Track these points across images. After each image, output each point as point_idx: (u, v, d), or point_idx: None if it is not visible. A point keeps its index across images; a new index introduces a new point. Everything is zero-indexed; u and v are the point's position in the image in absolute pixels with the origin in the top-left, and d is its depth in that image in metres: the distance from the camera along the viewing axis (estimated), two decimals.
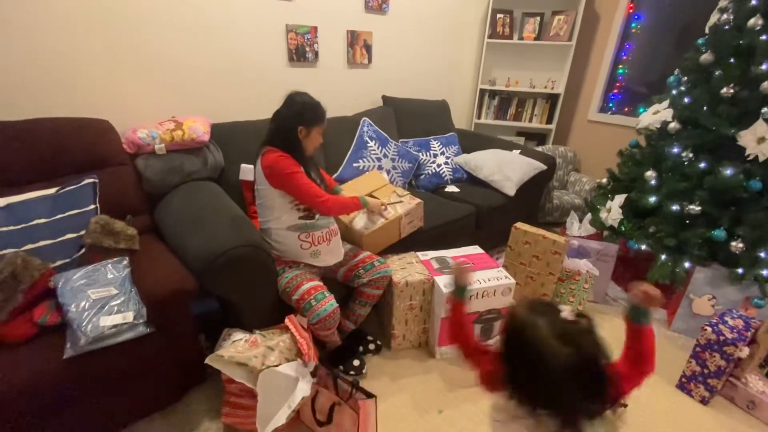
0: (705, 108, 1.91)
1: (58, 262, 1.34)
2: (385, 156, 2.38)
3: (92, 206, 1.45)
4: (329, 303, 1.43)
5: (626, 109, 3.15)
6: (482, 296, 1.67)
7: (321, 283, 1.50)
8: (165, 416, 1.43)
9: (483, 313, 1.72)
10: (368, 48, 2.62)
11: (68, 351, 1.13)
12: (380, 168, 2.34)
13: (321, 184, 1.57)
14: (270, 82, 2.24)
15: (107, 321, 1.18)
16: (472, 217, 2.29)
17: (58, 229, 1.36)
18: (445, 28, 3.04)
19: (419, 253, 1.90)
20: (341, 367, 1.64)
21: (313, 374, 1.35)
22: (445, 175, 2.61)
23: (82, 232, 1.39)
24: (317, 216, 1.53)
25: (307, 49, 2.33)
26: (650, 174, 2.10)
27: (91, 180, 1.47)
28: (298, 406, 1.23)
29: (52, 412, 1.13)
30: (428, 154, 2.64)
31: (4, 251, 1.26)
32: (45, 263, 1.29)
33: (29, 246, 1.30)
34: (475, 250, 1.96)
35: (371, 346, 1.78)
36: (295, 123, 1.43)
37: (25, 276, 1.23)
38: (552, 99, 3.32)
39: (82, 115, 1.63)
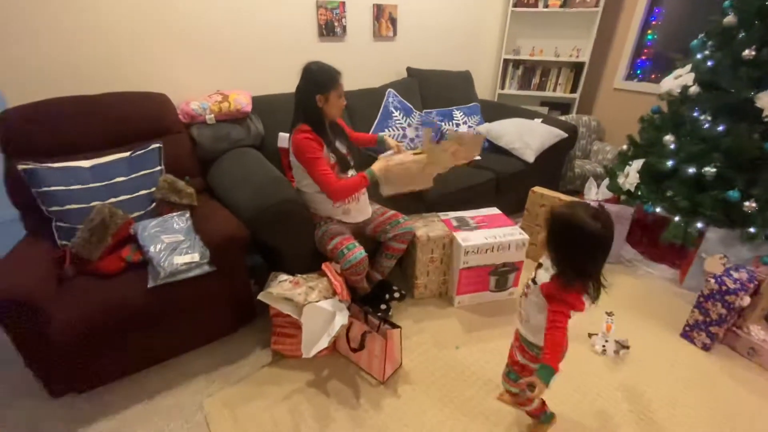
0: (726, 71, 1.94)
1: (135, 214, 1.60)
2: (409, 125, 2.53)
3: (159, 167, 1.71)
4: (359, 252, 1.63)
5: (653, 76, 3.13)
6: (498, 250, 1.84)
7: (351, 236, 1.70)
8: (223, 344, 1.70)
9: (498, 266, 1.89)
10: (393, 21, 2.73)
11: (150, 282, 1.40)
12: (404, 137, 2.50)
13: (349, 150, 1.75)
14: (302, 56, 2.36)
15: (179, 260, 1.44)
16: (492, 182, 2.42)
17: (134, 186, 1.62)
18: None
19: (440, 214, 2.07)
20: (371, 310, 1.86)
21: (347, 310, 1.57)
22: None
23: (153, 189, 1.65)
24: (351, 174, 1.71)
25: (336, 23, 2.47)
26: (669, 138, 2.15)
27: (157, 145, 1.72)
28: (337, 333, 1.46)
29: (138, 327, 1.42)
30: (451, 123, 2.76)
31: (94, 203, 1.53)
32: (126, 214, 1.55)
33: (112, 199, 1.57)
34: (493, 211, 2.11)
35: (396, 295, 1.99)
36: (313, 92, 1.55)
37: (112, 223, 1.50)
38: (577, 68, 3.32)
39: (143, 89, 1.87)
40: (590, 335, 1.76)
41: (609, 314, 1.76)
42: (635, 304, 2.00)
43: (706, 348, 1.73)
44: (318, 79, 1.55)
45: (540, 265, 1.12)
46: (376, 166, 1.69)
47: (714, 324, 1.68)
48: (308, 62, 1.58)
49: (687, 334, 1.78)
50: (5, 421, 1.39)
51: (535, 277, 1.12)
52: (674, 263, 2.29)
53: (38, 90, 1.67)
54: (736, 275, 1.67)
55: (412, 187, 1.82)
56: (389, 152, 1.92)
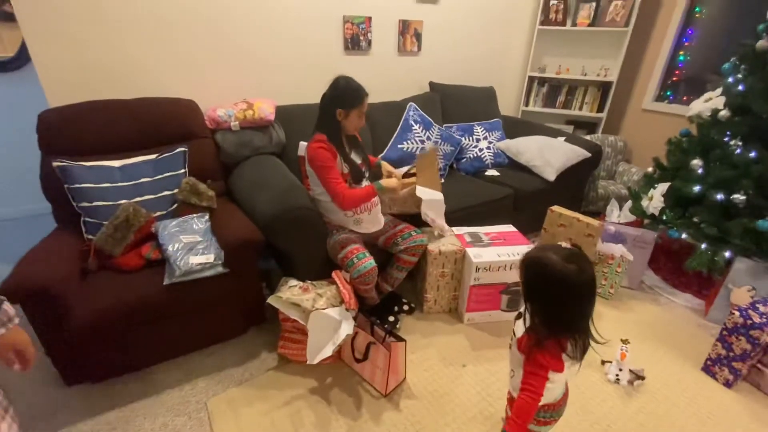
0: (759, 96, 1.87)
1: (157, 213, 1.68)
2: (428, 139, 2.55)
3: (183, 170, 1.78)
4: (369, 261, 1.65)
5: (685, 98, 3.04)
6: (510, 268, 1.81)
7: (363, 246, 1.71)
8: (232, 345, 1.74)
9: (511, 284, 1.86)
10: (418, 36, 2.77)
11: (166, 279, 1.46)
12: (423, 150, 2.51)
13: (363, 162, 1.78)
14: (327, 68, 2.47)
15: (195, 260, 1.49)
16: (510, 199, 2.40)
17: (158, 187, 1.70)
18: (496, 16, 3.11)
19: (454, 228, 2.06)
20: (377, 320, 1.86)
21: (354, 320, 1.58)
22: (486, 160, 2.72)
23: (175, 190, 1.72)
24: (364, 184, 1.74)
25: (362, 38, 2.54)
26: (696, 162, 2.08)
27: (182, 149, 1.80)
28: (342, 342, 1.47)
29: (152, 323, 1.47)
30: (471, 138, 2.77)
31: (121, 201, 1.61)
32: (149, 213, 1.63)
33: (137, 198, 1.65)
34: (509, 228, 2.09)
35: (405, 308, 1.99)
36: (335, 105, 1.59)
37: (135, 221, 1.57)
38: (604, 87, 3.27)
39: (174, 95, 1.97)
40: (603, 362, 1.70)
41: (624, 342, 1.69)
42: (654, 333, 1.92)
43: (728, 385, 1.63)
44: (343, 93, 1.60)
45: (520, 315, 1.02)
46: (387, 183, 1.70)
47: (737, 359, 1.60)
48: (340, 75, 1.62)
49: (708, 369, 1.69)
50: (26, 407, 1.46)
51: (514, 328, 1.03)
52: (699, 293, 2.19)
53: (77, 93, 1.79)
54: (762, 309, 1.59)
55: (405, 210, 1.90)
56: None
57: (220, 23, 2.07)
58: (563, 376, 0.98)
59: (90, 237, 1.57)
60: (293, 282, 1.67)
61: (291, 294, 1.56)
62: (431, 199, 1.84)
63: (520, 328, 1.00)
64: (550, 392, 0.99)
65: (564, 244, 0.90)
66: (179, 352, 1.65)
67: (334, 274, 1.68)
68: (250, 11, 2.13)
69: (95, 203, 1.58)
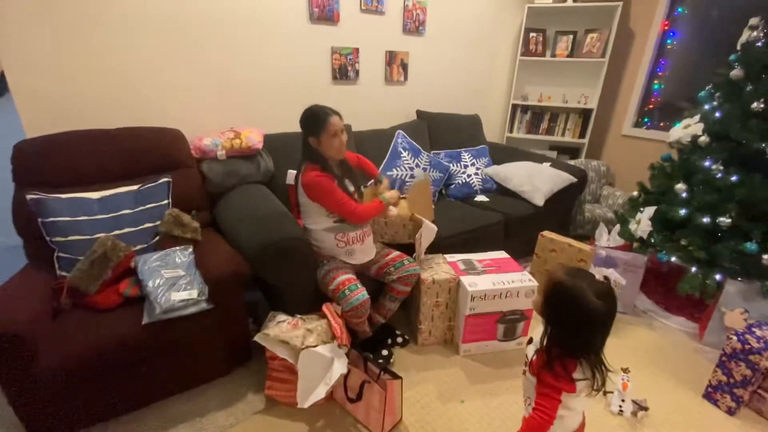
0: (736, 122, 1.93)
1: (138, 246, 1.59)
2: (417, 166, 2.54)
3: (166, 201, 1.71)
4: (361, 293, 1.58)
5: (662, 124, 3.14)
6: (506, 297, 1.77)
7: (354, 276, 1.66)
8: (216, 386, 1.62)
9: (506, 313, 1.81)
10: (405, 66, 2.82)
11: (145, 318, 1.36)
12: (413, 177, 2.50)
13: (355, 185, 1.75)
14: (315, 97, 2.47)
15: (177, 296, 1.40)
16: (501, 225, 2.39)
17: (139, 219, 1.62)
18: (479, 47, 3.20)
19: (447, 256, 2.02)
20: (371, 356, 1.78)
21: (346, 356, 1.50)
22: (475, 185, 2.73)
23: (158, 222, 1.64)
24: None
25: (349, 68, 2.56)
26: (680, 187, 2.11)
27: (166, 179, 1.74)
28: (335, 382, 1.39)
29: (129, 366, 1.36)
30: (459, 164, 2.78)
31: (98, 234, 1.52)
32: (129, 246, 1.54)
33: (117, 231, 1.56)
34: (501, 254, 2.06)
35: (399, 340, 1.91)
36: (306, 135, 1.60)
37: (114, 255, 1.48)
38: (585, 114, 3.36)
39: (159, 124, 1.92)
40: (605, 393, 1.65)
41: (625, 371, 1.65)
42: (652, 359, 1.88)
43: (730, 412, 1.59)
44: (307, 121, 1.60)
45: (530, 341, 1.06)
46: (390, 195, 1.72)
47: (738, 386, 1.56)
48: (306, 108, 1.62)
49: (710, 396, 1.65)
50: None
51: (527, 352, 1.05)
52: (692, 316, 2.18)
53: (57, 123, 1.72)
54: (759, 332, 1.57)
55: (393, 238, 1.90)
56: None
57: (208, 51, 2.05)
58: (579, 404, 0.97)
59: (64, 273, 1.47)
60: (281, 317, 1.59)
61: (279, 331, 1.48)
62: (430, 227, 1.82)
63: (531, 351, 1.02)
64: (565, 421, 0.97)
65: (597, 275, 0.93)
66: (158, 397, 1.52)
67: (324, 307, 1.61)
68: (239, 40, 2.13)
69: (71, 237, 1.49)
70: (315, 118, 1.59)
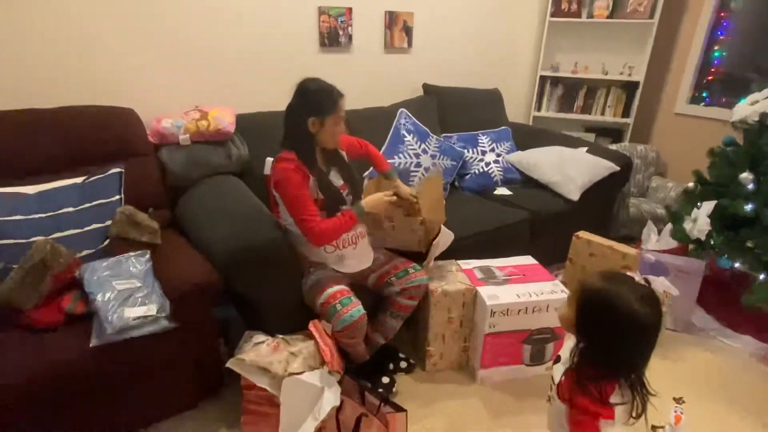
0: None
1: (84, 252, 1.59)
2: (424, 152, 2.55)
3: (117, 197, 1.72)
4: (356, 309, 1.59)
5: (724, 101, 3.15)
6: (533, 312, 1.78)
7: (347, 288, 1.66)
8: (181, 420, 1.64)
9: (533, 332, 1.82)
10: (408, 30, 2.82)
11: (94, 339, 1.36)
12: (419, 166, 2.51)
13: (348, 182, 1.76)
14: (299, 69, 2.43)
15: (132, 312, 1.40)
16: (526, 224, 2.40)
17: (84, 219, 1.63)
18: (499, 6, 3.21)
19: (461, 262, 2.03)
20: (369, 385, 1.79)
21: (339, 384, 1.51)
22: (495, 176, 2.74)
23: (108, 223, 1.65)
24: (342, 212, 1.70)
25: (341, 32, 2.56)
26: (746, 176, 2.12)
27: (117, 170, 1.75)
28: (326, 416, 1.40)
29: (75, 398, 1.36)
30: (475, 150, 2.79)
31: (35, 238, 1.52)
32: (73, 251, 1.54)
33: (57, 234, 1.57)
34: (527, 260, 2.07)
35: (403, 365, 1.92)
36: (305, 115, 1.58)
37: (54, 263, 1.48)
38: (629, 88, 3.37)
39: (108, 103, 1.92)
40: (654, 428, 1.66)
41: (678, 401, 1.66)
42: (711, 388, 1.90)
43: None
44: (314, 99, 1.58)
45: (558, 359, 1.07)
46: (369, 203, 1.68)
47: None
48: (305, 79, 1.62)
49: None
50: None
51: (553, 374, 1.07)
52: (762, 334, 2.19)
53: None
54: None
55: (399, 245, 1.88)
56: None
57: (169, 14, 2.06)
58: None
59: None
60: (260, 337, 1.60)
61: (257, 354, 1.49)
62: (446, 233, 1.85)
63: (559, 372, 1.04)
64: None
65: (637, 278, 0.96)
66: None
67: (311, 326, 1.62)
68: (205, 0, 2.13)
69: (1, 241, 1.49)
70: (326, 97, 1.58)
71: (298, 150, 1.61)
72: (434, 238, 1.87)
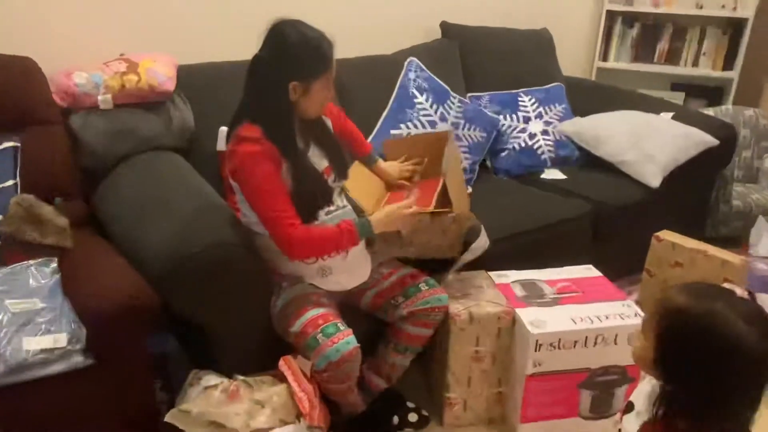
0: None
1: None
2: (442, 119, 2.55)
3: (11, 182, 1.74)
4: (344, 341, 1.58)
5: None
6: (594, 344, 1.79)
7: (333, 311, 1.67)
8: None
9: (596, 372, 1.83)
10: None
11: None
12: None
13: (334, 163, 1.77)
14: (265, 4, 2.47)
15: (33, 344, 1.41)
16: (586, 221, 2.41)
17: None
18: None
19: (493, 274, 2.04)
20: None
21: None
22: (543, 153, 2.75)
23: None
24: (327, 211, 1.71)
25: None
26: None
27: (11, 144, 1.76)
28: None
29: None
30: (515, 117, 2.79)
31: None
32: None
33: None
34: (587, 271, 2.08)
35: (412, 418, 1.94)
36: (284, 76, 1.56)
37: None
38: (734, 28, 3.36)
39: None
40: None
41: None
42: None
43: None
44: (295, 56, 1.57)
45: (630, 408, 1.07)
46: (380, 221, 1.67)
47: None
48: (281, 21, 1.59)
49: None
50: None
51: (621, 426, 1.08)
52: None
53: None
54: None
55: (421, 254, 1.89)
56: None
57: None
58: None
59: None
60: (211, 379, 1.61)
61: (207, 404, 1.50)
62: (482, 239, 1.87)
63: (632, 424, 1.04)
64: None
65: (738, 291, 0.98)
66: None
67: (282, 364, 1.63)
68: None
69: None
70: (311, 51, 1.57)
71: (269, 125, 1.59)
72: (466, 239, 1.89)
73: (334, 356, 1.56)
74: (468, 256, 1.90)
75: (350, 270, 1.79)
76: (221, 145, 2.14)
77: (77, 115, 1.98)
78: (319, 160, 1.73)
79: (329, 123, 1.84)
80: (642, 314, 1.82)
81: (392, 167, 2.00)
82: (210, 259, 1.55)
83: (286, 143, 1.60)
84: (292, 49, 1.56)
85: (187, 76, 2.16)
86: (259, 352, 1.70)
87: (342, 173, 1.81)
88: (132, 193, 1.87)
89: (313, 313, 1.63)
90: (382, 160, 2.02)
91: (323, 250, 1.66)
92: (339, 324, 1.63)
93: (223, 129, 2.12)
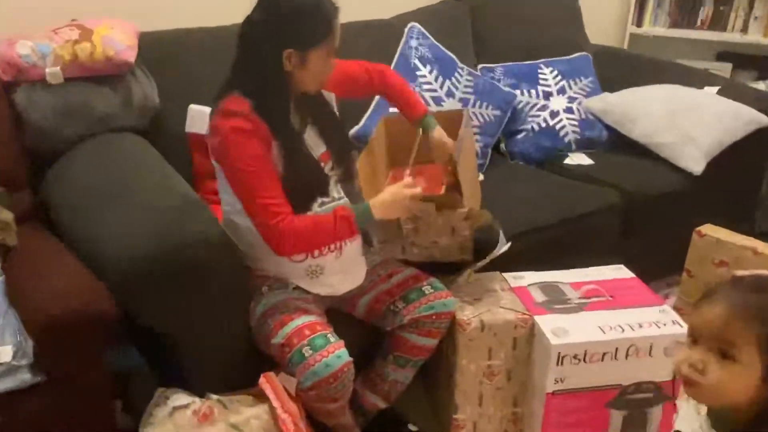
0: None
1: None
2: (449, 94, 2.55)
3: None
4: (335, 354, 1.58)
5: None
6: (627, 355, 1.79)
7: (323, 320, 1.68)
8: None
9: (627, 388, 1.84)
10: None
11: None
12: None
13: (334, 146, 1.78)
14: None
15: None
16: (616, 213, 2.43)
17: None
18: None
19: (509, 275, 2.05)
20: None
21: None
22: (566, 134, 2.76)
23: None
24: (322, 203, 1.72)
25: None
26: None
27: None
28: None
29: None
30: (534, 92, 2.80)
31: None
32: None
33: None
34: (617, 271, 2.09)
35: None
36: (278, 42, 1.56)
37: None
38: None
39: None
40: None
41: None
42: None
43: None
44: (292, 18, 1.56)
45: None
46: (381, 205, 1.67)
47: None
48: None
49: None
50: None
51: None
52: None
53: None
54: None
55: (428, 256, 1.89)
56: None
57: None
58: None
59: None
60: (181, 398, 1.61)
61: (176, 427, 1.51)
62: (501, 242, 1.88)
63: None
64: None
65: None
66: None
67: (263, 381, 1.63)
68: None
69: None
70: (311, 15, 1.57)
71: (259, 98, 1.59)
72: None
73: (323, 372, 1.56)
74: (483, 262, 1.90)
75: (344, 270, 1.80)
76: (191, 125, 2.14)
77: (22, 89, 1.98)
78: (315, 144, 1.74)
79: (332, 99, 1.84)
80: (679, 323, 1.83)
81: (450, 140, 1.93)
82: (180, 260, 1.54)
83: (277, 120, 1.60)
84: (287, 12, 1.56)
85: (149, 44, 2.16)
86: (236, 367, 1.71)
87: (341, 160, 1.81)
88: (87, 181, 1.86)
89: (298, 322, 1.63)
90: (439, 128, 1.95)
91: (317, 243, 1.66)
92: (329, 335, 1.63)
93: (194, 107, 2.14)
